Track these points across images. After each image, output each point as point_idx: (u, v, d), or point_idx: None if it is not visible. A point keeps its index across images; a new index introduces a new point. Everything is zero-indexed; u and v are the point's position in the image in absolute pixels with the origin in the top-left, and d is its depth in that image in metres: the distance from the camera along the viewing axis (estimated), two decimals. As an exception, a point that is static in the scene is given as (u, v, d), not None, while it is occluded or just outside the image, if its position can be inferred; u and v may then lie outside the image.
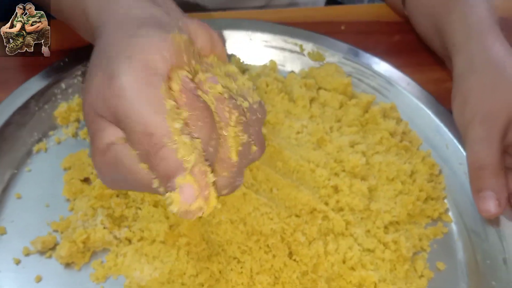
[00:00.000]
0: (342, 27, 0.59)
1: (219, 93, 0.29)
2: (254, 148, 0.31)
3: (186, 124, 0.28)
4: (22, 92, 0.45)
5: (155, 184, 0.28)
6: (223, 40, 0.35)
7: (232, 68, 0.34)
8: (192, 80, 0.29)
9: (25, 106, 0.45)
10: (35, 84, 0.46)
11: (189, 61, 0.30)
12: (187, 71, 0.30)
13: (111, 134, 0.29)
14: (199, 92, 0.29)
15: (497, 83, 0.44)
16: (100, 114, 0.29)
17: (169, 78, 0.29)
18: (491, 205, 0.40)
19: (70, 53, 0.48)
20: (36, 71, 0.47)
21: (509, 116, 0.42)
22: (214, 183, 0.28)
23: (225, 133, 0.29)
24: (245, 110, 0.30)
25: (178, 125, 0.27)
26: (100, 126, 0.29)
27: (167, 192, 0.27)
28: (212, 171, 0.28)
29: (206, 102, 0.29)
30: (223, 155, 0.29)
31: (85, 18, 0.36)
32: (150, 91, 0.27)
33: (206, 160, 0.28)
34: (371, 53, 0.54)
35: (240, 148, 0.29)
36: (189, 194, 0.26)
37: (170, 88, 0.28)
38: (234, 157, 0.29)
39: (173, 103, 0.28)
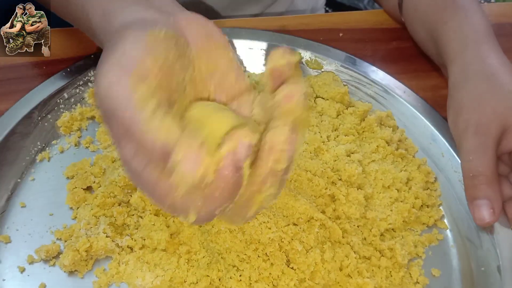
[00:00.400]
0: (340, 34, 0.59)
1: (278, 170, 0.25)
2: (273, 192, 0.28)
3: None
4: (26, 102, 0.46)
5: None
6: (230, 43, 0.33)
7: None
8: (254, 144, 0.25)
9: (28, 116, 0.46)
10: (38, 94, 0.47)
11: (168, 55, 0.28)
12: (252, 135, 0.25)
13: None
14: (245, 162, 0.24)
15: (491, 93, 0.45)
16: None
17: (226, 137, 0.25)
18: (485, 214, 0.41)
19: (72, 64, 0.49)
20: (39, 82, 0.48)
21: (502, 125, 0.43)
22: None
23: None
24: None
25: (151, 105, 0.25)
26: None
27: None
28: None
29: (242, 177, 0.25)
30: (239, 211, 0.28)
31: (89, 25, 0.36)
32: (126, 86, 0.26)
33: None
34: (369, 60, 0.55)
35: (262, 202, 0.27)
36: (190, 161, 0.24)
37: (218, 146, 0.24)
38: (252, 213, 0.28)
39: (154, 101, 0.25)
